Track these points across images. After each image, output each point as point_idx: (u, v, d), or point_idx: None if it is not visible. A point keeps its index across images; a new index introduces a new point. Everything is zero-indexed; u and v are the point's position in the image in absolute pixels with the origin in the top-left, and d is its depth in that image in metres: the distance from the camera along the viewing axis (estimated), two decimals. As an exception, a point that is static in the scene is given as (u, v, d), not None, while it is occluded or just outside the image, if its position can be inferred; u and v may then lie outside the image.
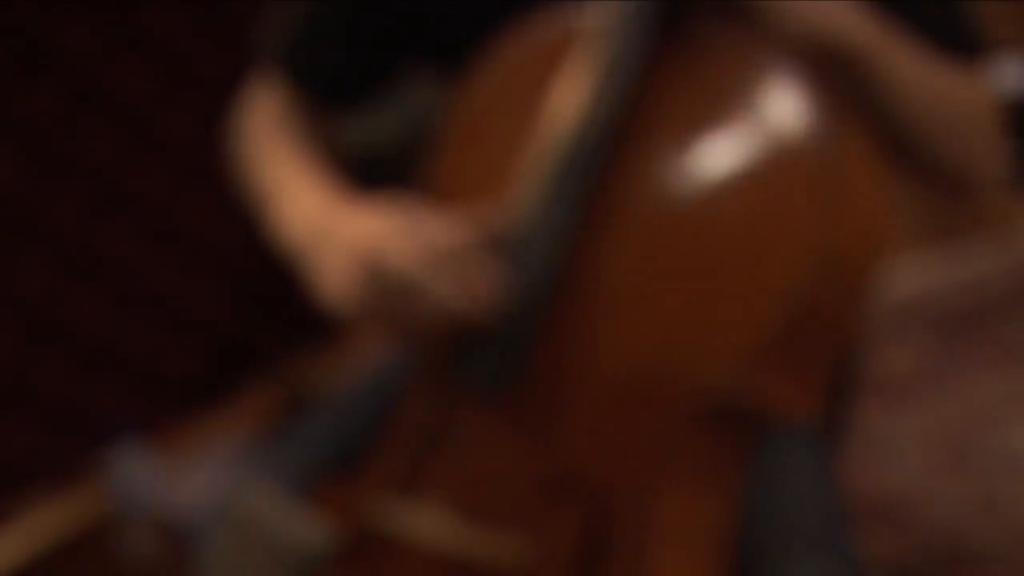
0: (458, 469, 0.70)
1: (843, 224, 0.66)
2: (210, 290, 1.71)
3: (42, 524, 1.62)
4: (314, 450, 0.89)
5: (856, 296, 0.70)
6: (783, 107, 0.68)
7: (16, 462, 1.53)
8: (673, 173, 0.69)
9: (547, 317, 0.69)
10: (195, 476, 1.76)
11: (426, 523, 0.69)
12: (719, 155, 0.68)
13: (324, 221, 0.75)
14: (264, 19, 0.94)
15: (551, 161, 0.70)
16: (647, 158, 0.70)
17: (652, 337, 0.67)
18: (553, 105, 0.71)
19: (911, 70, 0.74)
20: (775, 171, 0.66)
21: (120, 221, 1.54)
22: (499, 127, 0.76)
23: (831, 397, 1.10)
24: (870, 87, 0.72)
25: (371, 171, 0.91)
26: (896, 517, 1.67)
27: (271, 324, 1.84)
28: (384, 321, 0.67)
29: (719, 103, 0.69)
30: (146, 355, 1.65)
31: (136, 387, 1.65)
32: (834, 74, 0.71)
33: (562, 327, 0.70)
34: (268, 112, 0.92)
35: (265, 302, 1.81)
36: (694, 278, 0.66)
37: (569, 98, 0.71)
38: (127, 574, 1.58)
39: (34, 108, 1.39)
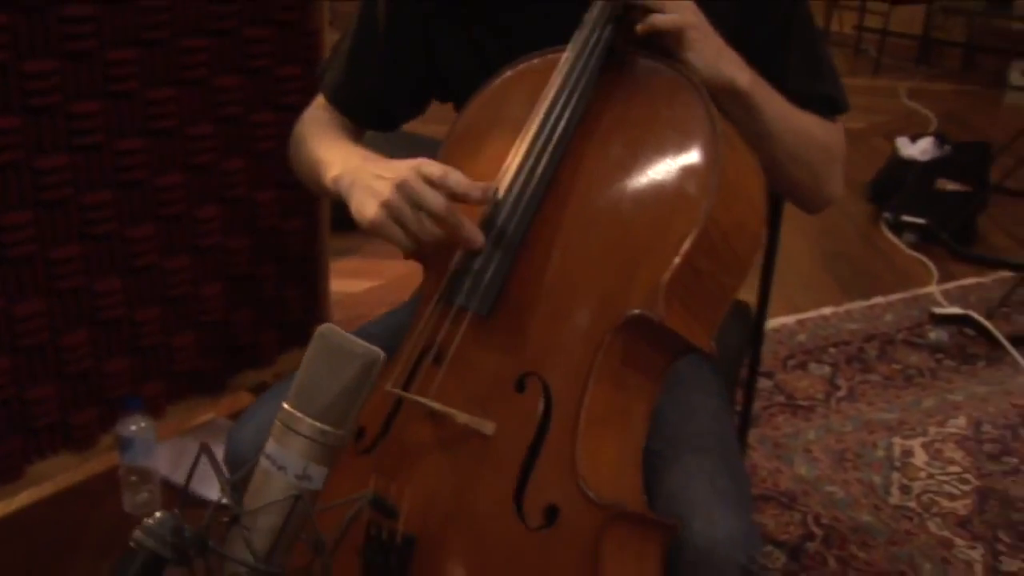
0: (455, 364, 0.98)
1: (729, 203, 0.95)
2: (216, 293, 1.93)
3: (67, 479, 1.85)
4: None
5: (736, 256, 0.99)
6: (692, 123, 0.98)
7: (48, 427, 1.74)
8: (612, 163, 0.98)
9: (518, 260, 0.98)
10: (189, 446, 2.00)
11: (430, 406, 0.96)
12: (644, 153, 0.97)
13: (365, 163, 1.04)
14: (327, 56, 1.25)
15: (525, 156, 0.99)
16: (593, 154, 0.99)
17: (593, 274, 0.95)
18: (532, 118, 1.01)
19: (779, 107, 1.06)
20: (682, 164, 0.96)
21: (151, 233, 1.77)
22: (498, 124, 1.05)
23: (727, 358, 1.40)
24: (751, 114, 1.04)
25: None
26: (801, 504, 1.96)
27: (266, 325, 2.06)
28: (399, 228, 0.95)
29: (647, 118, 1.00)
30: (160, 346, 1.87)
31: (148, 371, 1.87)
32: (729, 104, 1.02)
33: (528, 267, 0.98)
34: (320, 118, 1.22)
35: (262, 306, 2.03)
36: (622, 234, 0.95)
37: (539, 112, 1.01)
38: (133, 519, 1.80)
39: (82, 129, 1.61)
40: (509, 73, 1.08)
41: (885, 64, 5.77)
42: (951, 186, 3.31)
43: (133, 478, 1.81)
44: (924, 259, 3.14)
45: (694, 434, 1.10)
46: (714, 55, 1.01)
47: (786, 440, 2.17)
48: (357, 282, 2.81)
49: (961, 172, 3.35)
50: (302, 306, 2.12)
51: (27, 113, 1.56)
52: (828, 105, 1.17)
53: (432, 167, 0.96)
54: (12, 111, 1.54)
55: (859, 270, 3.12)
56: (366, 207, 0.98)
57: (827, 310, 2.78)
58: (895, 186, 3.42)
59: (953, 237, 3.19)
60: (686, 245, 0.93)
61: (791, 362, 2.49)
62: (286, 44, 1.89)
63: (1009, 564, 1.81)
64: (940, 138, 3.56)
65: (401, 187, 0.95)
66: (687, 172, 0.97)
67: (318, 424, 0.71)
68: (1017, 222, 3.41)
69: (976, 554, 1.83)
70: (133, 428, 1.77)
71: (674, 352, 1.01)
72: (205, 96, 1.80)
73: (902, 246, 3.24)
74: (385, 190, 0.96)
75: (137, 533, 0.64)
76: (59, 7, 1.55)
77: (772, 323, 2.66)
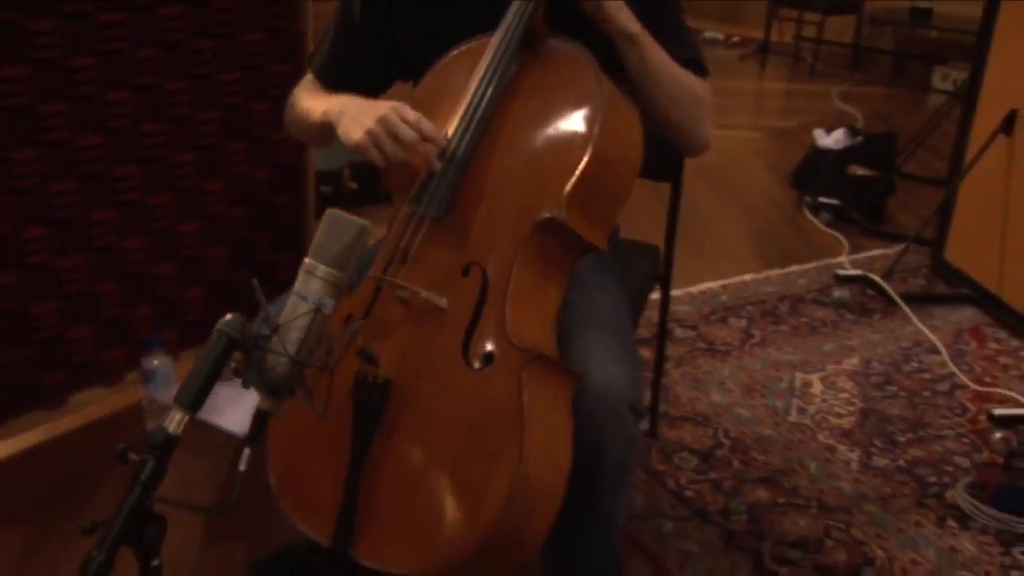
0: (417, 260, 1.35)
1: (612, 141, 1.34)
2: (220, 255, 2.30)
3: (97, 409, 2.20)
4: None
5: (619, 180, 1.38)
6: (586, 86, 1.36)
7: (84, 363, 2.09)
8: (529, 113, 1.37)
9: (463, 181, 1.36)
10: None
11: (400, 285, 1.34)
12: (552, 106, 1.36)
13: (352, 102, 1.42)
14: (316, 42, 1.64)
15: (466, 109, 1.38)
16: (516, 107, 1.38)
17: (517, 190, 1.33)
18: (471, 82, 1.40)
19: (661, 55, 1.46)
20: (579, 114, 1.34)
21: (168, 201, 2.14)
22: (447, 88, 1.43)
23: (635, 282, 1.79)
24: (639, 59, 1.42)
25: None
26: (714, 423, 2.34)
27: (261, 285, 2.40)
28: (379, 151, 1.32)
29: (554, 81, 1.39)
30: (175, 298, 2.23)
31: (166, 319, 2.23)
32: (625, 47, 1.41)
33: (470, 186, 1.36)
34: (310, 87, 1.61)
35: (257, 268, 2.39)
36: (536, 162, 1.34)
37: (475, 79, 1.39)
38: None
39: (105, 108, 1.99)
40: (454, 52, 1.47)
41: (820, 70, 6.23)
42: (861, 171, 3.73)
43: (155, 407, 2.16)
44: (838, 235, 3.55)
45: (596, 317, 1.48)
46: (616, 8, 1.40)
47: (704, 376, 2.56)
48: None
49: (870, 159, 3.77)
50: (291, 269, 2.48)
51: (70, 101, 1.92)
52: (695, 67, 1.56)
53: (408, 110, 1.35)
54: (58, 101, 1.90)
55: (781, 246, 3.53)
56: (352, 132, 1.36)
57: (748, 276, 3.19)
58: (814, 172, 3.83)
59: (864, 216, 3.61)
60: (581, 167, 1.32)
61: (713, 317, 2.89)
62: (277, 45, 2.27)
63: (879, 462, 2.20)
64: (852, 129, 3.99)
65: (382, 121, 1.33)
66: (581, 117, 1.36)
67: (330, 269, 1.09)
68: (921, 203, 3.84)
69: (854, 456, 2.22)
70: (155, 362, 2.12)
71: (576, 249, 1.39)
72: (212, 88, 2.17)
73: (819, 224, 3.65)
74: (369, 121, 1.34)
75: (219, 324, 1.01)
76: (97, 15, 1.92)
77: (699, 287, 3.06)
